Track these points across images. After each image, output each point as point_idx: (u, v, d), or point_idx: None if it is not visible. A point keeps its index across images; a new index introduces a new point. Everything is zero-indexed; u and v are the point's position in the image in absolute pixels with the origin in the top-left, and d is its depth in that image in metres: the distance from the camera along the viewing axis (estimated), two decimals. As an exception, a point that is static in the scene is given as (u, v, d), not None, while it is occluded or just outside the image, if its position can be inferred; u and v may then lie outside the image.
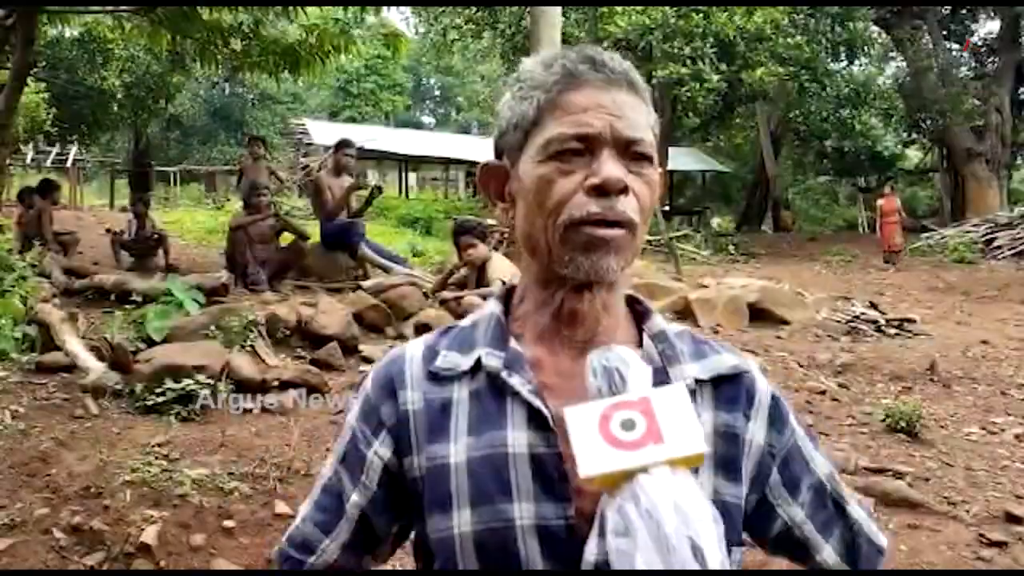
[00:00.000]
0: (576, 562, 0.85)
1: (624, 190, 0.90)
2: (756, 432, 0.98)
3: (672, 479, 0.76)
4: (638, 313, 1.02)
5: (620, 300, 0.99)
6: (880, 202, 16.86)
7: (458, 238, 5.88)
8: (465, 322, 1.03)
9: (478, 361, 0.95)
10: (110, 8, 9.16)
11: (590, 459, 0.78)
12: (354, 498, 1.00)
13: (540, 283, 0.97)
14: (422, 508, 0.93)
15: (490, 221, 7.56)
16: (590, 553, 0.83)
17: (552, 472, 0.88)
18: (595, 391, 0.84)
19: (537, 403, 0.90)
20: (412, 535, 1.02)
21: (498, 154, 1.01)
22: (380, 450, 0.97)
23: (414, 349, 1.01)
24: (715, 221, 21.43)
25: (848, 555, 1.06)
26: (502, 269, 5.69)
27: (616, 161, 0.90)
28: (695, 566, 0.74)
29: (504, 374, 0.93)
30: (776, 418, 1.00)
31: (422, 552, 0.97)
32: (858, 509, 1.08)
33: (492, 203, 1.03)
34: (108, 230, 10.25)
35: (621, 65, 0.95)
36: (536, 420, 0.90)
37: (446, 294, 6.35)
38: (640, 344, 0.99)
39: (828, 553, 1.05)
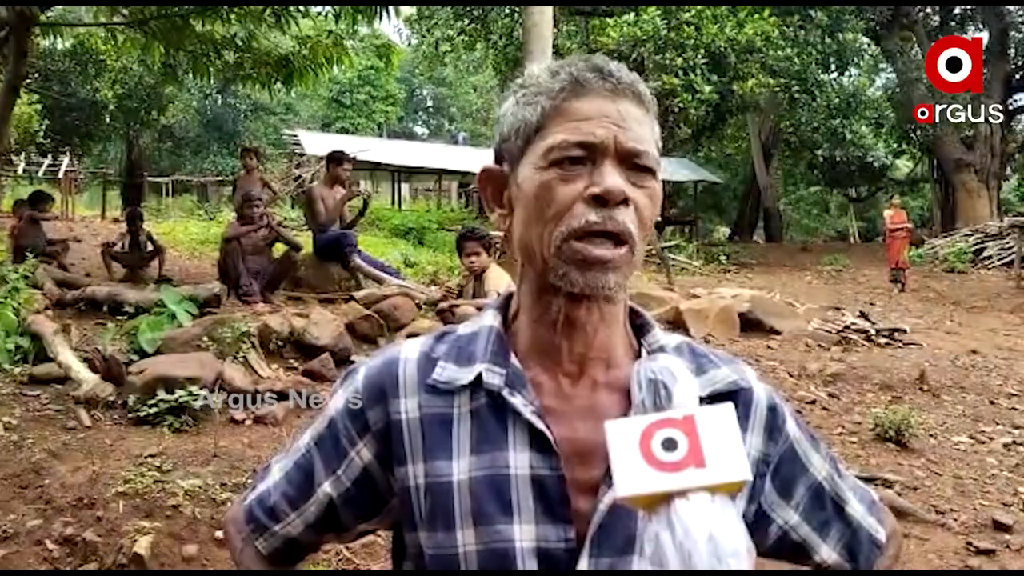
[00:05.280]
0: None
1: (625, 201, 0.88)
2: (753, 444, 0.97)
3: (710, 507, 0.73)
4: (637, 326, 1.00)
5: (620, 312, 0.97)
6: (888, 213, 15.43)
7: (465, 242, 5.74)
8: (463, 329, 1.00)
9: (478, 376, 0.93)
10: (104, 21, 9.19)
11: (628, 479, 0.74)
12: (326, 487, 1.00)
13: (537, 294, 0.94)
14: (412, 519, 0.93)
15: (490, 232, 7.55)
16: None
17: (554, 495, 0.88)
18: (639, 404, 0.81)
19: (540, 425, 0.89)
20: (391, 540, 1.03)
21: (498, 159, 0.99)
22: (363, 452, 0.97)
23: (409, 353, 0.99)
24: (723, 230, 21.37)
25: (847, 553, 1.06)
26: (499, 280, 5.67)
27: (618, 172, 0.88)
28: None
29: (506, 393, 0.91)
30: (773, 427, 1.00)
31: (408, 560, 0.97)
32: (857, 506, 1.08)
33: (490, 208, 1.00)
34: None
35: (629, 76, 0.93)
36: (538, 442, 0.89)
37: (442, 303, 6.34)
38: (638, 359, 0.96)
39: (827, 552, 1.05)
